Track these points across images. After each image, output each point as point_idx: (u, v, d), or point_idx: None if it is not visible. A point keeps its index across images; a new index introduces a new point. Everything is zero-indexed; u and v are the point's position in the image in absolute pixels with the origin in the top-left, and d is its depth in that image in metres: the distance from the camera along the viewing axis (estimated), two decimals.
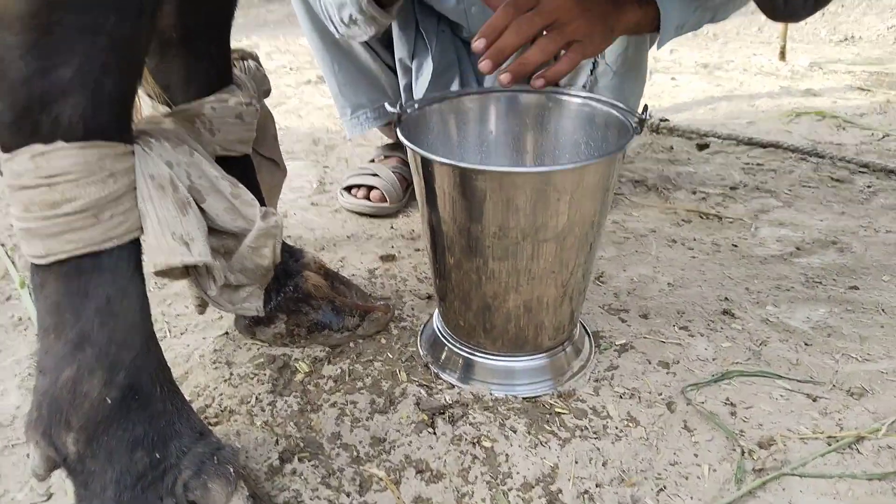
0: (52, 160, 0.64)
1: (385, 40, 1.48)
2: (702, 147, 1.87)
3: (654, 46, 1.39)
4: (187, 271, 0.78)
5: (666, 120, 2.01)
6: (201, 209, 0.77)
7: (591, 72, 1.35)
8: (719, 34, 3.68)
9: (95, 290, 0.68)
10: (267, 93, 1.08)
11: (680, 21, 1.10)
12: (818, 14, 3.79)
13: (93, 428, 0.68)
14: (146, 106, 0.95)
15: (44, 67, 0.61)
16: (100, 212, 0.67)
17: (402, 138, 0.90)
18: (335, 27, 1.31)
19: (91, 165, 0.65)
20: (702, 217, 1.47)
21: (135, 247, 0.72)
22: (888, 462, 0.82)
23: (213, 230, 0.79)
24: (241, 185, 0.81)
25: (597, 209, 0.89)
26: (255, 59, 1.11)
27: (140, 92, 0.94)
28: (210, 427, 0.80)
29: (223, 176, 0.80)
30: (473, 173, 0.83)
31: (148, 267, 0.71)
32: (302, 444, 0.87)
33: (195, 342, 1.09)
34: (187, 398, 0.79)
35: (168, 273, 0.74)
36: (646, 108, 0.93)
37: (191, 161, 0.78)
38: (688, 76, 2.68)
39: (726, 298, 1.16)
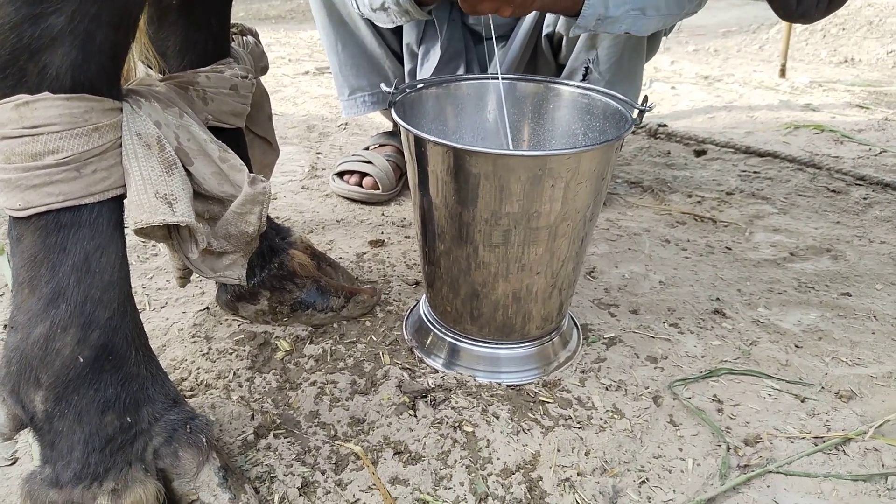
0: (37, 110, 0.62)
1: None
2: (699, 153, 1.86)
3: (648, 57, 1.39)
4: (169, 233, 0.76)
5: (664, 125, 2.01)
6: (188, 172, 0.75)
7: (584, 78, 1.34)
8: (720, 50, 3.70)
9: (73, 245, 0.66)
10: (264, 69, 1.06)
11: (603, 12, 1.09)
12: (819, 36, 3.82)
13: (63, 387, 0.66)
14: (141, 73, 0.93)
15: (35, 14, 0.59)
16: (82, 165, 0.65)
17: (395, 117, 0.88)
18: (358, 6, 1.29)
19: (76, 118, 0.63)
20: (696, 220, 1.46)
21: (116, 205, 0.70)
22: (874, 464, 0.81)
23: (199, 195, 0.77)
24: (229, 150, 0.79)
25: (591, 200, 0.88)
26: (255, 35, 1.09)
27: (136, 58, 0.92)
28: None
29: (212, 140, 0.78)
30: (467, 155, 0.81)
31: (129, 224, 0.69)
32: (278, 421, 0.85)
33: (174, 316, 1.07)
34: None
35: (149, 233, 0.72)
36: (646, 98, 0.91)
37: (180, 123, 0.76)
38: (688, 86, 2.69)
39: (718, 298, 1.15)
